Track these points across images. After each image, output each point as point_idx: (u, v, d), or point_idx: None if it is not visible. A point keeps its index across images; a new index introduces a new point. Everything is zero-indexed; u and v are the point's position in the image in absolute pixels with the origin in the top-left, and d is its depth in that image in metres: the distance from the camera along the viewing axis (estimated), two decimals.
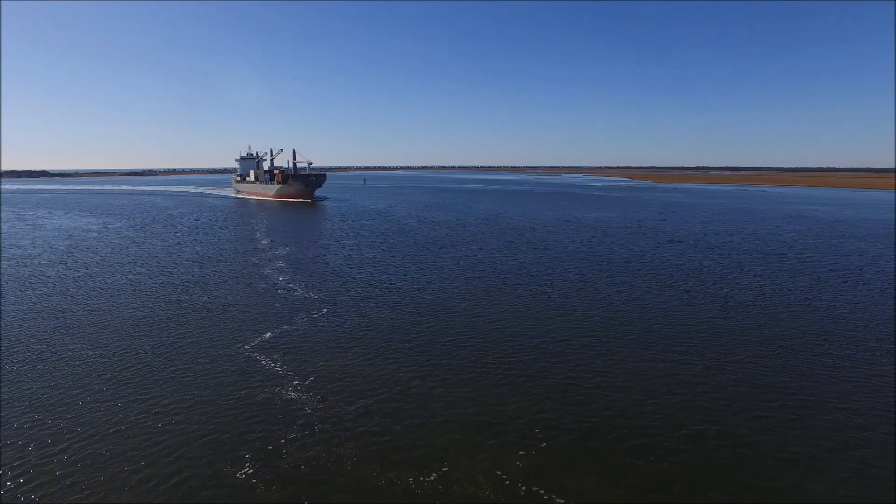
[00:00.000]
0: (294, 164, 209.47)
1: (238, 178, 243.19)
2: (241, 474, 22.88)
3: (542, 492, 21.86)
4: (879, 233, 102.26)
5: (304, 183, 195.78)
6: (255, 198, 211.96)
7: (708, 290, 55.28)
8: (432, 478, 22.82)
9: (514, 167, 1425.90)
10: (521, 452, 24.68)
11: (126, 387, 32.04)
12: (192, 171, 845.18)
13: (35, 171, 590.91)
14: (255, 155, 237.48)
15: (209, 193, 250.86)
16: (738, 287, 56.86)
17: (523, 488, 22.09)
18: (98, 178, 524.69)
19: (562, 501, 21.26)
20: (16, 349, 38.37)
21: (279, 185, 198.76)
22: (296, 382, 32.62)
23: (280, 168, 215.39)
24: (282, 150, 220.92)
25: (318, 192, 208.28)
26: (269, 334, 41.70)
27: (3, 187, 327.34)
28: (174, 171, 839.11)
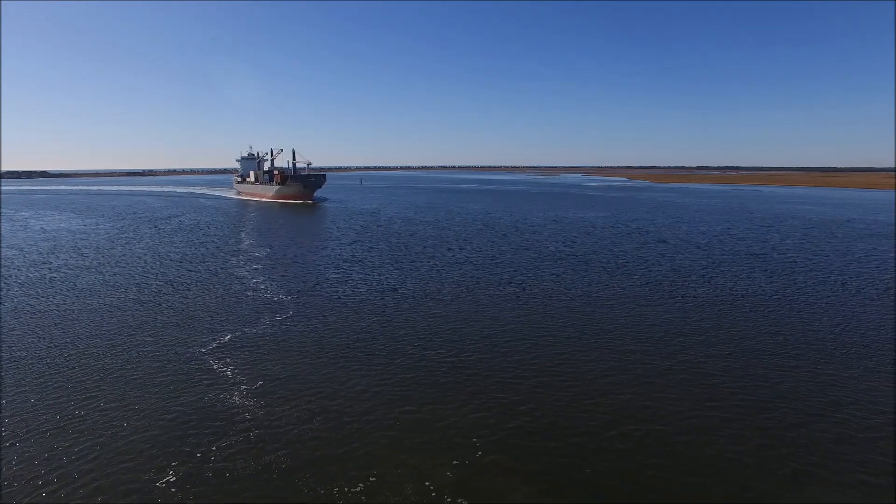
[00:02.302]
0: (294, 164, 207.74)
1: (239, 179, 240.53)
2: (161, 482, 22.42)
3: (467, 503, 21.37)
4: (864, 233, 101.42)
5: (304, 184, 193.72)
6: (255, 199, 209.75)
7: (682, 292, 54.64)
8: (358, 488, 22.34)
9: (514, 167, 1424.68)
10: (454, 462, 24.16)
11: (70, 388, 31.59)
12: (193, 172, 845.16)
13: (35, 172, 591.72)
14: (255, 155, 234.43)
15: (207, 194, 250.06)
16: (712, 288, 56.21)
17: (448, 499, 21.59)
18: (98, 179, 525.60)
19: None
20: None
21: (278, 186, 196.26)
22: (243, 387, 32.18)
23: (279, 168, 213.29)
24: (281, 150, 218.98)
25: (317, 193, 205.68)
26: (228, 337, 41.28)
27: (2, 188, 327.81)
28: (174, 172, 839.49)
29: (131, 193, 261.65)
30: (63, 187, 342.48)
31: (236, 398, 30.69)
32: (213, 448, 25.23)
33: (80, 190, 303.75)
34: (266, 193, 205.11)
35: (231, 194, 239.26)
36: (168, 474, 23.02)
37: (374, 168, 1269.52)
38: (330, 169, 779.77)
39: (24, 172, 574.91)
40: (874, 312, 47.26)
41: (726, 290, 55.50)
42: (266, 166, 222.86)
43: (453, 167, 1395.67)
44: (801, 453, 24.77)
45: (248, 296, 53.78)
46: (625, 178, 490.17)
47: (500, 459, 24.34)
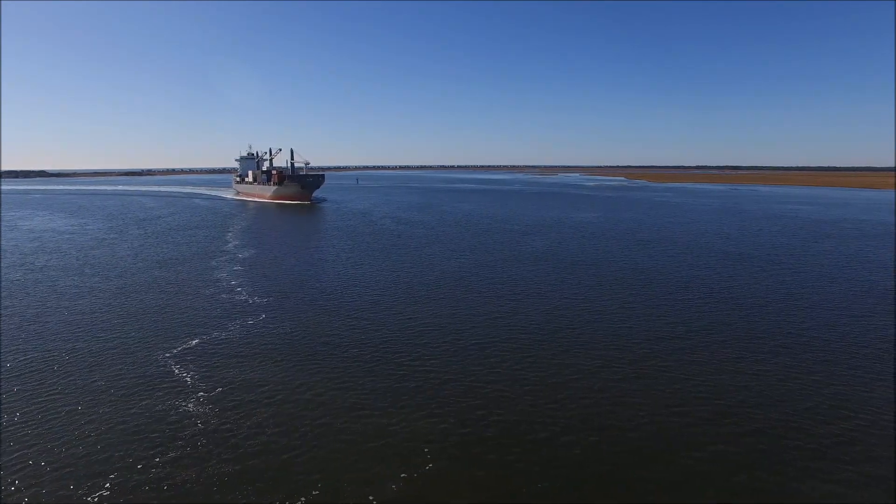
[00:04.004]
0: (292, 164, 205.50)
1: (238, 179, 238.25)
2: (92, 497, 21.69)
3: None
4: (858, 233, 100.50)
5: (301, 184, 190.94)
6: (253, 199, 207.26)
7: (662, 293, 53.79)
8: (299, 501, 21.60)
9: (513, 167, 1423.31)
10: (402, 475, 23.38)
11: (21, 392, 30.85)
12: (192, 171, 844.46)
13: (33, 172, 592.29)
14: (255, 155, 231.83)
15: (204, 194, 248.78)
16: (694, 289, 55.36)
17: None
18: (96, 179, 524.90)
19: None
20: None
21: (276, 187, 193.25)
22: (200, 394, 31.46)
23: (278, 168, 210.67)
24: (280, 150, 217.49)
25: (316, 193, 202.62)
26: (195, 341, 40.57)
27: (1, 188, 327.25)
28: (173, 171, 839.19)
29: (127, 193, 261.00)
30: (60, 187, 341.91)
31: (191, 405, 29.97)
32: (157, 458, 24.50)
33: (77, 190, 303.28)
34: (264, 194, 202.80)
35: (229, 195, 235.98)
36: (103, 485, 22.31)
37: (373, 168, 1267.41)
38: (329, 168, 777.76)
39: (22, 172, 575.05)
40: (860, 312, 46.42)
41: (707, 291, 54.66)
42: (265, 166, 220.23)
43: (452, 167, 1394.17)
44: (779, 453, 24.02)
45: (224, 298, 53.08)
46: (622, 178, 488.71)
47: (448, 466, 23.61)
